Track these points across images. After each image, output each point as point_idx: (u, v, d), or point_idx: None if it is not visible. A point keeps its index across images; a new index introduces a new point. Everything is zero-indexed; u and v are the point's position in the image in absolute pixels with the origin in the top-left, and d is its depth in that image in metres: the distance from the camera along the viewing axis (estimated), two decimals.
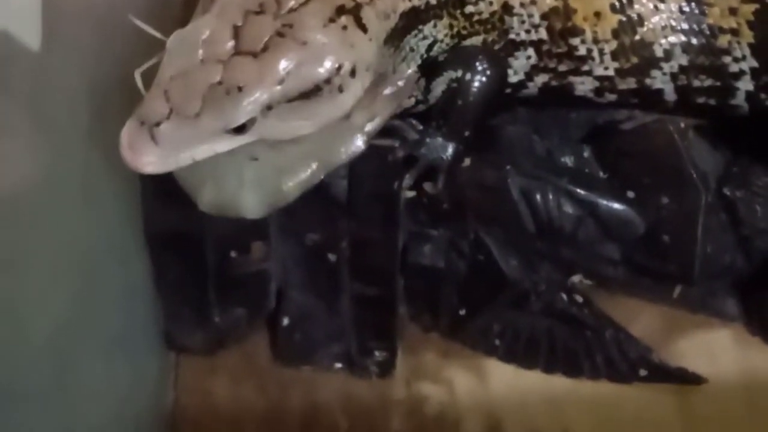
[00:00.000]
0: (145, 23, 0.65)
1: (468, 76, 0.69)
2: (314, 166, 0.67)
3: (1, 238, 0.58)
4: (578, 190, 0.74)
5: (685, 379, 0.78)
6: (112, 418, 0.73)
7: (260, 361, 0.83)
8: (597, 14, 0.68)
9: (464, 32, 0.70)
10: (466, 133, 0.70)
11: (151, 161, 0.59)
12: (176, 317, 0.80)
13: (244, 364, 0.84)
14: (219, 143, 0.60)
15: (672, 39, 0.69)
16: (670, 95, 0.71)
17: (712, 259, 0.75)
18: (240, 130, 0.59)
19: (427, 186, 0.72)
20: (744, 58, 0.69)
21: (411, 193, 0.73)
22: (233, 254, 0.77)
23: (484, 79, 0.70)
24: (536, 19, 0.69)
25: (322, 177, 0.68)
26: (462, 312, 0.79)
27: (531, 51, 0.70)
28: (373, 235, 0.75)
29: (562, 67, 0.71)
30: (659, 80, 0.71)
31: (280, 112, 0.60)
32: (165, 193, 0.74)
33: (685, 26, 0.69)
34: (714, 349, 0.80)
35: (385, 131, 0.70)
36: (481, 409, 0.82)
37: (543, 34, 0.69)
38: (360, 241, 0.75)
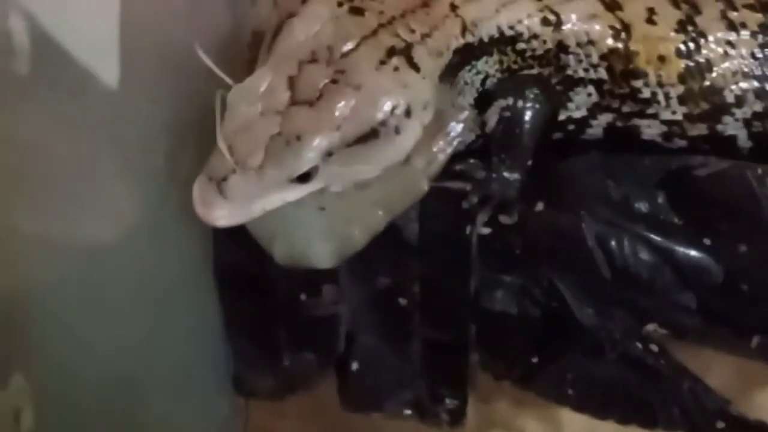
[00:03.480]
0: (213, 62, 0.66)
1: (519, 103, 0.69)
2: (380, 212, 0.69)
3: (81, 276, 0.59)
4: (655, 237, 0.73)
5: None
6: None
7: (330, 405, 0.82)
8: (661, 58, 0.68)
9: (515, 66, 0.70)
10: (529, 163, 0.70)
11: (222, 215, 0.60)
12: (246, 360, 0.80)
13: (313, 409, 0.84)
14: (286, 193, 0.61)
15: (744, 85, 0.68)
16: (744, 142, 0.70)
17: None
18: (304, 178, 0.60)
19: (504, 219, 0.72)
20: None
21: (487, 230, 0.73)
22: (303, 297, 0.77)
23: (536, 105, 0.70)
24: (594, 59, 0.68)
25: (388, 222, 0.69)
26: (535, 360, 0.77)
27: (591, 89, 0.70)
28: (444, 279, 0.75)
29: (626, 108, 0.70)
30: (731, 126, 0.70)
31: (340, 157, 0.61)
32: (236, 234, 0.74)
33: (758, 72, 0.68)
34: None
35: (453, 175, 0.71)
36: None
37: (603, 74, 0.69)
38: (431, 285, 0.75)
